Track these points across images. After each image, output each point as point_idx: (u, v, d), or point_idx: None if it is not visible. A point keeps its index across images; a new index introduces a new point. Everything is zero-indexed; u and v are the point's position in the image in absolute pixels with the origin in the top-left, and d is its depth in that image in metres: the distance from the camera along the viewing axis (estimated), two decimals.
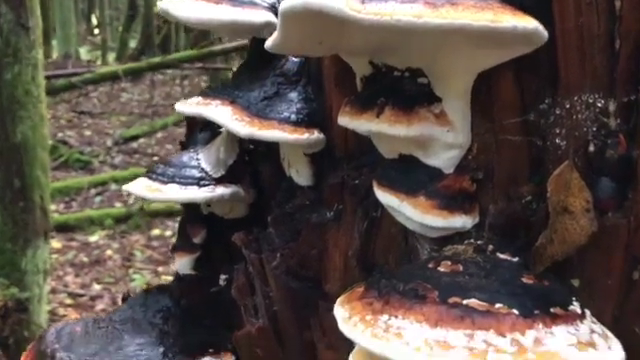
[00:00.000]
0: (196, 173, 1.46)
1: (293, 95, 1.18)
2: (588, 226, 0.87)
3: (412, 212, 0.93)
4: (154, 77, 15.69)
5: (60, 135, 13.89)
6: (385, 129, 0.87)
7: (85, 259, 9.20)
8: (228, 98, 1.19)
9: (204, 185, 1.43)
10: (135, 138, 13.70)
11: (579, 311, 0.85)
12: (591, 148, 0.89)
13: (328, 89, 1.11)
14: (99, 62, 18.59)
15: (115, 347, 1.35)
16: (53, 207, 9.66)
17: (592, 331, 0.83)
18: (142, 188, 1.45)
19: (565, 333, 0.79)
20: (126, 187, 1.48)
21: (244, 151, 1.51)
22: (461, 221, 0.92)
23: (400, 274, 0.89)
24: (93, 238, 9.75)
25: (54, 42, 20.21)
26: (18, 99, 6.48)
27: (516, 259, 0.91)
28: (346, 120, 0.94)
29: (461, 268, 0.87)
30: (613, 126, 0.85)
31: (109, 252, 9.37)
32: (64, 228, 9.80)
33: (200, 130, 1.59)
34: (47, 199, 6.82)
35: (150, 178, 1.47)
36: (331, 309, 1.08)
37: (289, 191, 1.30)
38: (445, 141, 0.89)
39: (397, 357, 0.76)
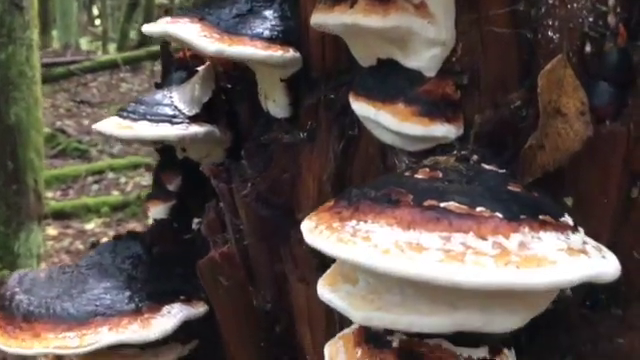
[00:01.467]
0: (169, 111, 1.37)
1: (268, 13, 1.10)
2: (582, 130, 0.78)
3: (390, 120, 0.84)
4: (154, 67, 15.60)
5: (59, 124, 13.78)
6: (359, 20, 0.78)
7: (81, 246, 9.11)
8: (197, 16, 1.10)
9: (177, 123, 1.35)
10: None
11: (571, 223, 0.76)
12: (587, 48, 0.81)
13: (303, 1, 1.02)
14: (99, 53, 18.49)
15: (78, 290, 1.26)
16: (49, 194, 9.60)
17: (585, 242, 0.74)
18: (112, 126, 1.36)
19: (554, 239, 0.70)
20: (96, 126, 1.40)
21: (221, 90, 1.43)
22: (443, 129, 0.84)
23: (373, 183, 0.81)
24: (89, 226, 9.66)
25: (54, 32, 20.11)
26: (12, 80, 6.39)
27: (503, 171, 0.82)
28: (319, 17, 0.85)
29: (440, 175, 0.79)
30: (612, 16, 0.76)
31: (105, 240, 9.28)
32: (60, 215, 9.71)
33: (175, 69, 1.50)
34: (41, 183, 6.73)
35: (121, 116, 1.38)
36: (304, 240, 1.00)
37: (266, 126, 1.21)
38: (426, 36, 0.80)
39: (364, 261, 0.68)
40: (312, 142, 0.98)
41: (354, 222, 0.73)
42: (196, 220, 1.37)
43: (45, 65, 13.33)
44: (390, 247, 0.68)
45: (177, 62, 1.50)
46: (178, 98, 1.39)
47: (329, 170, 0.96)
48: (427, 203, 0.72)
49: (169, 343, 1.36)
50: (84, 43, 21.13)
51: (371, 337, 0.89)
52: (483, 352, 0.84)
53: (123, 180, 11.24)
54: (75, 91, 15.67)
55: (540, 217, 0.72)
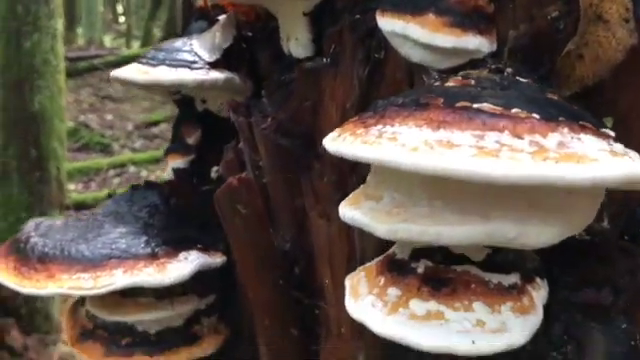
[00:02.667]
0: (188, 57, 1.34)
1: None
2: (625, 39, 0.73)
3: (419, 32, 0.80)
4: None
5: (82, 118, 13.93)
6: None
7: None
8: None
9: (196, 68, 1.32)
10: (156, 123, 13.69)
11: (613, 134, 0.71)
12: None
13: None
14: (123, 49, 18.65)
15: (94, 234, 1.24)
16: (72, 187, 9.69)
17: (627, 152, 0.69)
18: (131, 72, 1.33)
19: (596, 142, 0.65)
20: (115, 72, 1.37)
21: (242, 38, 1.39)
22: (475, 42, 0.79)
23: (400, 94, 0.76)
24: None
25: (79, 30, 20.35)
26: (36, 68, 6.45)
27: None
28: None
29: (473, 82, 0.74)
30: None
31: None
32: (82, 207, 9.77)
33: (196, 19, 1.47)
34: (63, 171, 6.79)
35: (140, 62, 1.36)
36: (325, 173, 0.96)
37: (288, 67, 1.17)
38: None
39: (390, 159, 0.63)
40: (335, 67, 0.94)
41: (380, 126, 0.69)
42: (214, 168, 1.34)
43: (69, 59, 13.48)
44: (419, 145, 0.63)
45: (198, 12, 1.47)
46: (198, 45, 1.36)
47: (353, 97, 0.92)
48: (459, 104, 0.67)
49: (186, 294, 1.33)
50: (108, 40, 21.34)
51: (395, 265, 0.85)
52: (514, 278, 0.80)
53: (144, 174, 11.32)
54: (99, 86, 15.83)
55: (580, 122, 0.68)
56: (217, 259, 1.29)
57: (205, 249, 1.28)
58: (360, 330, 1.04)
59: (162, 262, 1.19)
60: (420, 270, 0.82)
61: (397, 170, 0.73)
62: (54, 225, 1.31)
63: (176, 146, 1.51)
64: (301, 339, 1.11)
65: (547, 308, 0.84)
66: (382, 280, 0.84)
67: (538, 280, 0.81)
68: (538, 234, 0.69)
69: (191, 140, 1.48)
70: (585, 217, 0.74)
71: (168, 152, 1.52)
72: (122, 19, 24.24)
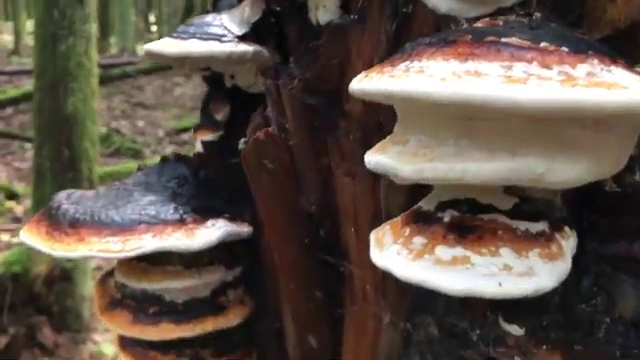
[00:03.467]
0: (218, 30, 1.36)
1: None
2: None
3: None
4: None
5: (114, 124, 14.20)
6: None
7: None
8: None
9: (226, 41, 1.33)
10: (186, 130, 13.88)
11: None
12: None
13: None
14: None
15: (124, 202, 1.26)
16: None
17: None
18: (162, 45, 1.36)
19: (627, 74, 0.64)
20: (147, 46, 1.39)
21: (271, 13, 1.41)
22: None
23: (428, 36, 0.76)
24: None
25: (112, 39, 20.78)
26: (71, 71, 6.60)
27: None
28: None
29: (501, 23, 0.74)
30: None
31: None
32: None
33: None
34: (95, 172, 6.92)
35: (171, 37, 1.38)
36: (352, 131, 0.96)
37: (316, 37, 1.18)
38: None
39: (416, 89, 0.63)
40: (363, 23, 0.94)
41: (407, 62, 0.69)
42: (242, 140, 1.35)
43: (102, 67, 13.77)
44: (446, 76, 0.63)
45: None
46: (228, 19, 1.38)
47: (380, 53, 0.92)
48: (487, 39, 0.67)
49: (213, 264, 1.35)
50: (140, 49, 21.66)
51: (420, 216, 0.85)
52: (542, 226, 0.79)
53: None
54: (130, 93, 16.13)
55: (611, 57, 0.67)
56: (244, 229, 1.30)
57: (232, 219, 1.29)
58: (385, 290, 1.03)
59: (190, 228, 1.21)
60: (446, 219, 0.81)
61: (423, 108, 0.73)
62: (85, 194, 1.33)
63: (205, 122, 1.52)
64: (326, 302, 1.11)
65: (576, 260, 0.82)
66: (407, 230, 0.84)
67: (567, 229, 0.80)
68: (567, 171, 0.68)
69: (220, 116, 1.50)
70: (615, 160, 0.73)
71: (197, 129, 1.53)
72: (154, 28, 24.68)
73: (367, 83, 0.70)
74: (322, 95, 0.97)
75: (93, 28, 6.76)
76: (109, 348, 6.66)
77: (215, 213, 1.27)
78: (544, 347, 0.82)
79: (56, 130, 6.64)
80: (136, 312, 1.32)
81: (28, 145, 10.71)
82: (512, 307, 0.84)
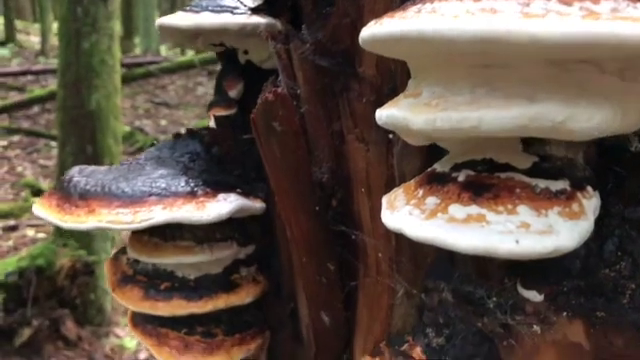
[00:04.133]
0: (231, 3, 1.34)
1: None
2: None
3: None
4: None
5: (137, 123, 14.34)
6: None
7: None
8: None
9: (239, 13, 1.31)
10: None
11: None
12: None
13: None
14: (179, 57, 19.11)
15: (135, 175, 1.24)
16: None
17: None
18: (176, 19, 1.34)
19: None
20: (160, 20, 1.38)
21: None
22: None
23: None
24: None
25: (136, 40, 21.00)
26: (94, 68, 6.67)
27: None
28: None
29: None
30: None
31: None
32: None
33: None
34: None
35: (184, 11, 1.37)
36: (365, 94, 0.93)
37: (330, 4, 1.15)
38: None
39: (427, 27, 0.60)
40: None
41: (419, 5, 0.66)
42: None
43: (126, 66, 13.94)
44: (460, 13, 0.60)
45: None
46: None
47: (394, 8, 0.89)
48: None
49: (226, 241, 1.32)
50: (164, 50, 21.90)
51: (434, 177, 0.81)
52: (563, 184, 0.74)
53: None
54: (154, 93, 16.28)
55: None
56: (257, 204, 1.28)
57: (245, 194, 1.27)
58: (399, 262, 1.00)
59: (201, 201, 1.19)
60: (461, 178, 0.78)
61: (438, 57, 0.70)
62: (97, 169, 1.32)
63: (218, 99, 1.50)
64: (338, 275, 1.07)
65: (599, 223, 0.78)
66: (420, 192, 0.81)
67: (589, 189, 0.76)
68: (589, 117, 0.64)
69: (233, 93, 1.47)
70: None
71: (210, 106, 1.51)
72: None
73: (378, 28, 0.67)
74: (334, 56, 0.94)
75: (116, 25, 6.83)
76: (131, 342, 6.71)
77: (227, 187, 1.25)
78: (564, 314, 0.77)
79: (79, 127, 6.71)
80: (147, 288, 1.30)
81: (54, 143, 10.85)
82: (530, 273, 0.80)
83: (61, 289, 6.33)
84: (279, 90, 0.94)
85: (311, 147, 1.02)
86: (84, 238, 6.64)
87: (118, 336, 6.80)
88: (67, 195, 1.21)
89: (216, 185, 1.24)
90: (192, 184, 1.22)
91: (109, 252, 6.86)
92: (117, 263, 1.40)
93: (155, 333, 1.35)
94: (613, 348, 0.76)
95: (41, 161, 11.37)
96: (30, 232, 8.79)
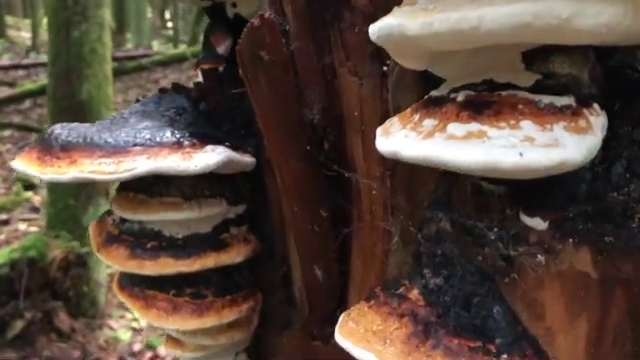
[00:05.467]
0: None
1: None
2: None
3: None
4: None
5: None
6: None
7: None
8: None
9: None
10: None
11: None
12: None
13: None
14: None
15: (118, 127, 1.19)
16: None
17: None
18: None
19: None
20: None
21: None
22: None
23: None
24: None
25: (128, 35, 20.86)
26: (84, 57, 6.59)
27: None
28: None
29: None
30: None
31: None
32: None
33: None
34: None
35: None
36: (357, 24, 0.88)
37: None
38: None
39: None
40: None
41: None
42: None
43: (118, 59, 13.82)
44: None
45: None
46: None
47: None
48: None
49: (215, 198, 1.27)
50: (156, 45, 21.80)
51: (431, 101, 0.77)
52: (568, 100, 0.70)
53: None
54: (146, 87, 16.18)
55: None
56: (247, 158, 1.23)
57: (234, 148, 1.22)
58: (393, 204, 0.95)
59: (187, 151, 1.14)
60: (460, 98, 0.73)
61: None
62: (81, 124, 1.27)
63: (206, 56, 1.45)
64: (331, 222, 1.03)
65: (607, 145, 0.74)
66: (417, 116, 0.76)
67: (596, 106, 0.71)
68: (597, 13, 0.59)
69: (222, 49, 1.42)
70: None
71: (198, 63, 1.46)
72: (170, 24, 24.76)
73: None
74: None
75: (107, 13, 6.75)
76: (125, 334, 6.66)
77: (215, 140, 1.20)
78: (570, 241, 0.73)
79: (70, 117, 6.60)
80: (134, 247, 1.25)
81: None
82: (534, 199, 0.76)
83: (54, 281, 6.27)
84: (266, 15, 0.89)
85: (302, 87, 0.97)
86: (77, 230, 6.58)
87: (112, 328, 6.75)
88: (48, 147, 1.16)
89: (203, 137, 1.19)
90: (178, 135, 1.16)
91: None
92: (102, 224, 1.35)
93: (142, 295, 1.30)
94: (621, 275, 0.72)
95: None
96: (22, 226, 8.72)
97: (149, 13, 22.30)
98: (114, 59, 9.73)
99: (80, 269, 6.54)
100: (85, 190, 6.63)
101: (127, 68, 13.08)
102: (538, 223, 0.75)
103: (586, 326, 0.76)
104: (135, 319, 6.98)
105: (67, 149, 1.13)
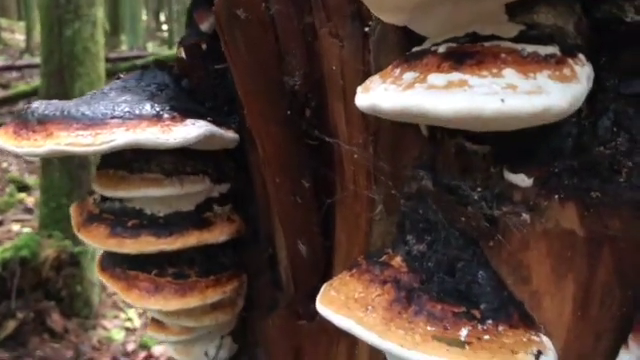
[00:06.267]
0: None
1: None
2: None
3: None
4: None
5: None
6: None
7: None
8: None
9: None
10: None
11: None
12: None
13: None
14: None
15: (97, 101, 1.16)
16: None
17: None
18: None
19: None
20: None
21: None
22: None
23: None
24: None
25: (123, 37, 20.83)
26: (77, 55, 6.56)
27: None
28: None
29: None
30: None
31: None
32: None
33: None
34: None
35: None
36: None
37: None
38: None
39: None
40: None
41: None
42: None
43: (112, 61, 13.77)
44: None
45: None
46: None
47: None
48: None
49: (197, 175, 1.24)
50: (151, 47, 21.77)
51: (412, 56, 0.74)
52: (553, 49, 0.67)
53: None
54: None
55: None
56: (230, 134, 1.20)
57: (216, 123, 1.19)
58: (376, 170, 0.93)
59: (167, 124, 1.11)
60: (442, 50, 0.71)
61: None
62: (60, 101, 1.24)
63: (189, 34, 1.42)
64: (314, 193, 1.00)
65: (592, 98, 0.71)
66: (397, 71, 0.73)
67: (581, 57, 0.69)
68: None
69: (205, 26, 1.39)
70: None
71: (181, 41, 1.43)
72: (165, 27, 24.74)
73: None
74: None
75: (99, 11, 6.71)
76: (119, 334, 6.61)
77: (197, 115, 1.17)
78: (556, 197, 0.70)
79: None
80: (114, 225, 1.22)
81: None
82: (518, 156, 0.73)
83: (46, 281, 6.21)
84: None
85: (282, 52, 0.94)
86: (70, 229, 6.52)
87: (106, 328, 6.69)
88: (24, 122, 1.13)
89: (185, 111, 1.16)
90: (158, 108, 1.13)
91: None
92: (83, 204, 1.32)
93: (124, 276, 1.27)
94: (608, 232, 0.69)
95: (27, 157, 11.21)
96: (15, 227, 8.66)
97: (144, 15, 22.27)
98: (108, 60, 9.69)
99: (73, 268, 6.49)
100: (78, 189, 6.58)
101: (121, 69, 13.02)
102: (523, 180, 0.72)
103: (573, 287, 0.73)
104: (129, 319, 6.94)
105: (43, 122, 1.10)
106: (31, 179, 10.06)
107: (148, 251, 1.20)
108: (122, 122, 1.09)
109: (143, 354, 6.40)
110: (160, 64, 1.32)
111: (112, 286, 1.28)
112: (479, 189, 0.75)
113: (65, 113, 1.11)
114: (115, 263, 1.30)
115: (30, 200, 9.53)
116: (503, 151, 0.74)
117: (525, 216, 0.72)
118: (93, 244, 1.23)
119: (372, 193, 0.92)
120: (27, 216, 9.07)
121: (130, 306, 7.06)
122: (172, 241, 1.20)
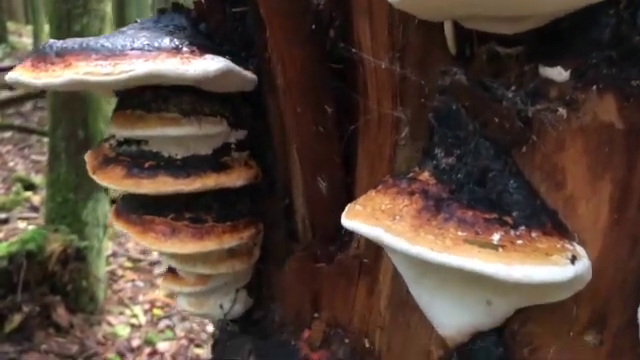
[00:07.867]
0: None
1: None
2: None
3: None
4: None
5: None
6: None
7: None
8: None
9: None
10: None
11: None
12: None
13: None
14: None
15: (116, 37, 1.15)
16: None
17: None
18: None
19: None
20: None
21: None
22: None
23: None
24: None
25: None
26: None
27: None
28: None
29: None
30: None
31: None
32: None
33: None
34: None
35: None
36: None
37: None
38: None
39: None
40: None
41: None
42: None
43: None
44: None
45: None
46: None
47: None
48: None
49: (215, 116, 1.23)
50: None
51: None
52: None
53: None
54: None
55: None
56: (248, 74, 1.18)
57: (235, 62, 1.17)
58: (402, 96, 0.91)
59: (186, 57, 1.09)
60: None
61: None
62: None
63: None
64: (336, 119, 0.98)
65: None
66: None
67: None
68: None
69: None
70: None
71: None
72: None
73: None
74: None
75: (108, 7, 6.73)
76: (124, 330, 6.59)
77: (216, 52, 1.16)
78: (594, 88, 0.68)
79: (70, 111, 6.60)
80: (131, 167, 1.21)
81: (45, 139, 10.75)
82: (554, 51, 0.71)
83: (52, 275, 6.20)
84: None
85: None
86: (76, 224, 6.52)
87: (111, 324, 6.67)
88: (43, 55, 1.11)
89: (204, 47, 1.15)
90: (177, 42, 1.12)
91: (101, 238, 6.74)
92: (99, 150, 1.31)
93: (140, 221, 1.25)
94: None
95: (33, 157, 11.24)
96: (21, 224, 8.67)
97: (150, 12, 22.44)
98: None
99: (79, 263, 6.48)
100: (86, 184, 6.57)
101: None
102: (559, 73, 0.70)
103: (610, 187, 0.71)
104: (134, 315, 6.92)
105: (62, 55, 1.09)
106: (37, 178, 10.08)
107: (165, 192, 1.18)
108: (141, 53, 1.08)
109: (148, 350, 6.37)
110: (178, 7, 1.30)
111: (127, 231, 1.26)
112: (513, 87, 0.73)
113: (84, 45, 1.09)
114: (130, 210, 1.28)
115: (36, 199, 9.55)
116: (538, 48, 0.73)
117: (562, 111, 0.71)
118: (109, 185, 1.21)
119: (398, 112, 0.90)
120: (33, 214, 9.08)
121: (136, 303, 7.05)
122: (190, 182, 1.19)
